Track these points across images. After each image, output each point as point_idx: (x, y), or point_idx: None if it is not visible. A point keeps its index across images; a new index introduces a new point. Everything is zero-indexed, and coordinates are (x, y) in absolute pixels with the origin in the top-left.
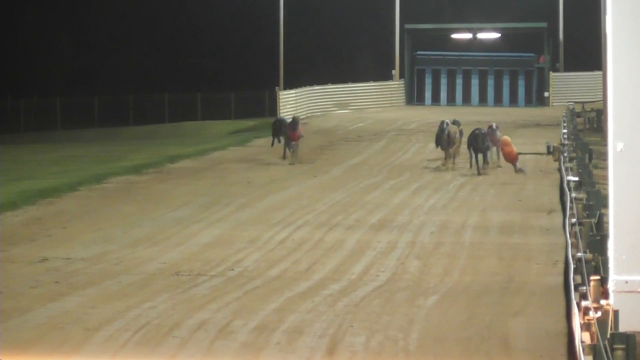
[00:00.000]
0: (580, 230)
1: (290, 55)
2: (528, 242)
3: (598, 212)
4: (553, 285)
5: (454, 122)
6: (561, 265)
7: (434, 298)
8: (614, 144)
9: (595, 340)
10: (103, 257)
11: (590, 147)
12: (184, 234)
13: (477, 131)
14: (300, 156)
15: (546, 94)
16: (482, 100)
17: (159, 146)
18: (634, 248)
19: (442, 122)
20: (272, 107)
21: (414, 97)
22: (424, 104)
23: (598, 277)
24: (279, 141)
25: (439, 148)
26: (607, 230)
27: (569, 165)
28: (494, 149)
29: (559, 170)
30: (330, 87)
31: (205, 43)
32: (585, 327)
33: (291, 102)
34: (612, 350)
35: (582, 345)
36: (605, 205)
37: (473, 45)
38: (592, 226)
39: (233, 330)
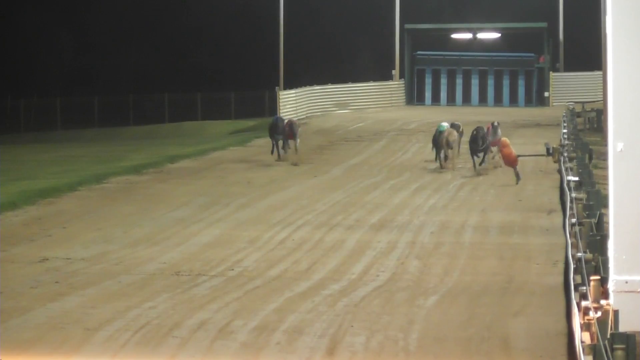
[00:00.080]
0: (580, 230)
1: (290, 55)
2: (528, 242)
3: (598, 212)
4: (553, 285)
5: (452, 125)
6: (561, 265)
7: (434, 298)
8: (614, 144)
9: (595, 340)
10: (103, 257)
11: (590, 147)
12: (184, 234)
13: (476, 132)
14: (301, 156)
15: (546, 94)
16: (482, 100)
17: (159, 146)
18: (634, 248)
19: (440, 128)
20: (272, 107)
21: (414, 97)
22: (424, 104)
23: (598, 277)
24: (277, 144)
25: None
26: (607, 230)
27: (569, 165)
28: (494, 148)
29: (559, 171)
30: (330, 87)
31: (205, 43)
32: (585, 327)
33: (291, 102)
34: (612, 350)
35: (582, 345)
36: (605, 205)
37: (473, 45)
38: (592, 226)
39: (233, 330)
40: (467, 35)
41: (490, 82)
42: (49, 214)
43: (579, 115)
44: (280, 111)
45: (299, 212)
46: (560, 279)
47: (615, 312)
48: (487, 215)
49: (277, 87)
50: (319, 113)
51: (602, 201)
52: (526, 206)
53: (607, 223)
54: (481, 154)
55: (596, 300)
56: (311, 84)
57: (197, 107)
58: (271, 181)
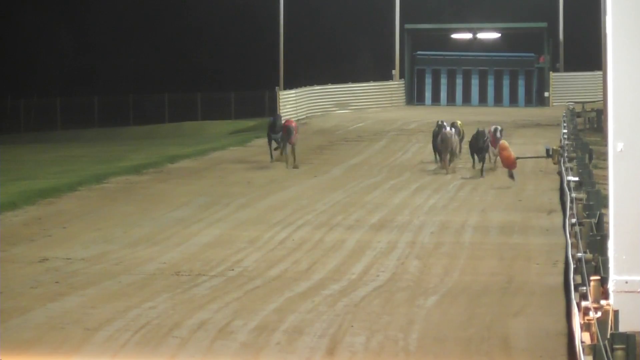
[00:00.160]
0: (580, 230)
1: (290, 55)
2: (528, 242)
3: (598, 212)
4: (553, 286)
5: (452, 126)
6: (561, 266)
7: (434, 298)
8: (614, 144)
9: (595, 341)
10: (103, 257)
11: (590, 147)
12: (184, 234)
13: (477, 135)
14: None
15: (546, 94)
16: (482, 100)
17: (159, 146)
18: (634, 248)
19: (439, 126)
20: (272, 107)
21: (414, 97)
22: (424, 104)
23: (598, 277)
24: (277, 144)
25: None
26: (607, 230)
27: (569, 165)
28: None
29: (559, 173)
30: (330, 87)
31: (205, 43)
32: (585, 327)
33: (291, 102)
34: (612, 350)
35: (582, 346)
36: (605, 205)
37: (473, 45)
38: (592, 226)
39: (233, 330)
40: (467, 35)
41: (490, 82)
42: (49, 214)
43: (579, 115)
44: (280, 111)
45: (299, 212)
46: (560, 279)
47: (615, 312)
48: (487, 215)
49: (277, 87)
50: (319, 113)
51: (602, 201)
52: (526, 206)
53: (607, 223)
54: (482, 154)
55: (596, 301)
56: (311, 84)
57: (197, 107)
58: (271, 181)
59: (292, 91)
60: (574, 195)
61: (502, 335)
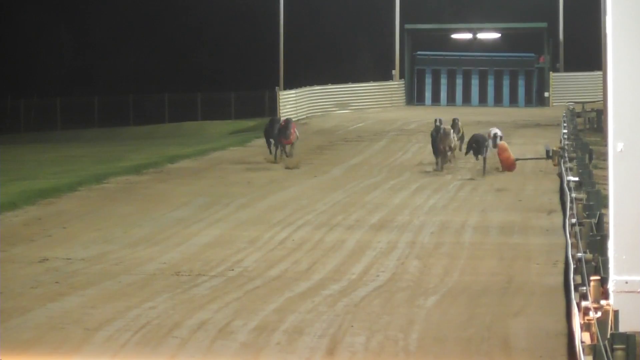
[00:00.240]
0: (580, 230)
1: (290, 55)
2: (528, 243)
3: (598, 212)
4: (553, 286)
5: (453, 125)
6: (561, 266)
7: (434, 298)
8: (614, 144)
9: (595, 341)
10: (103, 257)
11: (590, 147)
12: (184, 234)
13: (477, 134)
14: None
15: (546, 94)
16: (482, 100)
17: (159, 146)
18: (634, 248)
19: (436, 127)
20: (272, 107)
21: (414, 97)
22: (424, 104)
23: (598, 278)
24: (276, 147)
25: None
26: (607, 230)
27: (569, 165)
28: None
29: (559, 174)
30: (330, 87)
31: (205, 43)
32: (585, 327)
33: (291, 102)
34: (612, 350)
35: (582, 346)
36: (605, 205)
37: (473, 45)
38: (592, 226)
39: (233, 330)
40: (467, 36)
41: (490, 82)
42: (49, 214)
43: (579, 115)
44: (281, 111)
45: (299, 212)
46: (560, 279)
47: (615, 312)
48: (487, 215)
49: (277, 87)
50: (319, 113)
51: (602, 201)
52: (526, 206)
53: (607, 223)
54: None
55: (596, 301)
56: (311, 84)
57: (197, 107)
58: (271, 181)
59: (292, 91)
60: (574, 195)
61: (502, 336)
